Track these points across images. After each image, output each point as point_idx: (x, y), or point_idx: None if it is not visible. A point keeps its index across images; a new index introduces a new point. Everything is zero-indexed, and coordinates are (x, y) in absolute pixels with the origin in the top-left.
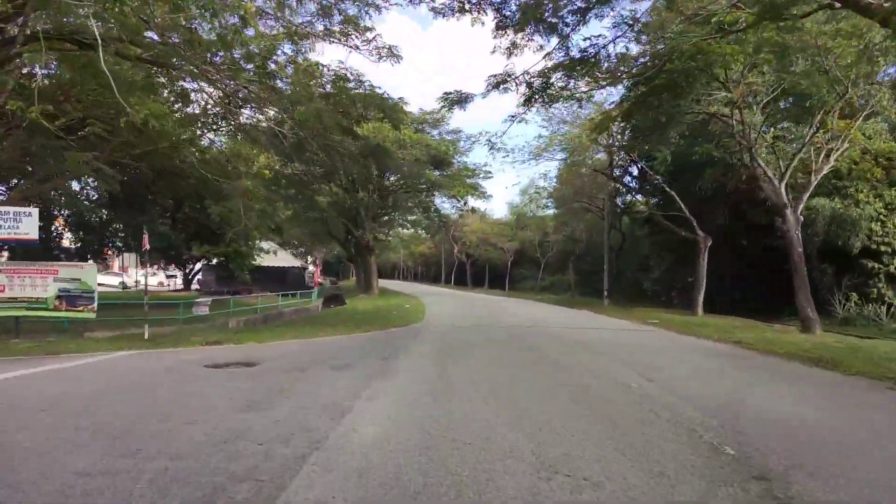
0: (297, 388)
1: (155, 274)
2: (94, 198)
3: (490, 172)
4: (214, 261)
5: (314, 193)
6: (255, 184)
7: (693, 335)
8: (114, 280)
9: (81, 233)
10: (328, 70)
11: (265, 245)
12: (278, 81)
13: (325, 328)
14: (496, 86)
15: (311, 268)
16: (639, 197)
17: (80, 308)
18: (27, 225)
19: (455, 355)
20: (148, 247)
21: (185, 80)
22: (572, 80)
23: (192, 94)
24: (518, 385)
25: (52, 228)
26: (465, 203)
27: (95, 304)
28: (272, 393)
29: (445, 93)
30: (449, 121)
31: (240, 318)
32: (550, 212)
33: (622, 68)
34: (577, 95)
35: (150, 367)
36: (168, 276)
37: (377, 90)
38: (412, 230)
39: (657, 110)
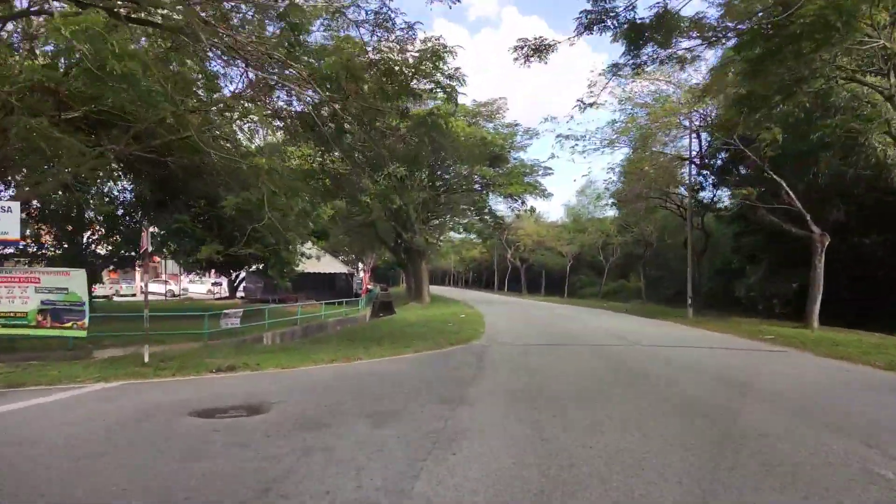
0: (306, 470)
1: (201, 281)
2: (123, 200)
3: (550, 169)
4: (254, 267)
5: (360, 191)
6: (288, 174)
7: (844, 359)
8: (161, 288)
9: (116, 238)
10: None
11: (308, 249)
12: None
13: (369, 345)
14: (588, 27)
15: (359, 274)
16: (723, 191)
17: (68, 324)
18: (5, 223)
19: (547, 397)
20: (149, 247)
21: (212, 58)
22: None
23: (220, 79)
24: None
25: (86, 235)
26: (522, 202)
27: (86, 320)
28: (261, 484)
29: (520, 40)
30: (505, 113)
31: (276, 332)
32: (611, 213)
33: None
34: (681, 54)
35: (116, 413)
36: (214, 284)
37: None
38: (463, 234)
39: (795, 61)
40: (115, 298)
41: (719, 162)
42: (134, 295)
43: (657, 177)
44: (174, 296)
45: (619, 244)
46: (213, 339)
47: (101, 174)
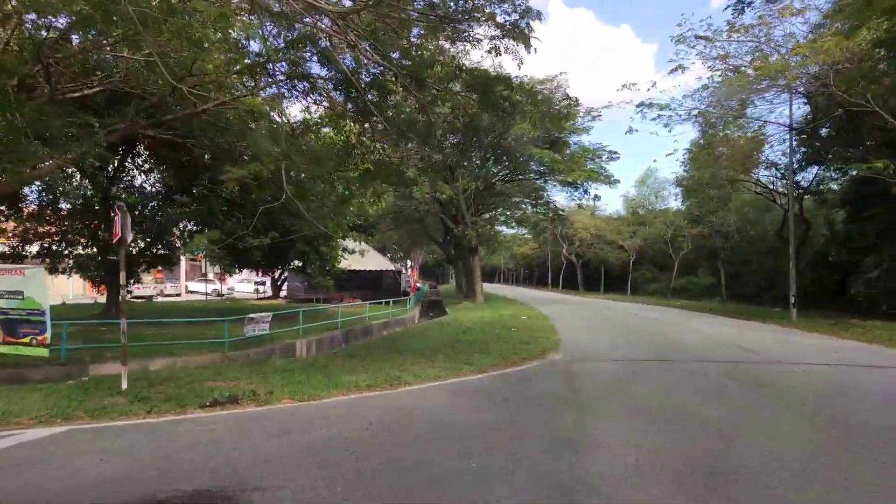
0: None
1: (248, 281)
2: (149, 191)
3: (616, 153)
4: (294, 265)
5: (405, 177)
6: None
7: None
8: (207, 287)
9: (140, 235)
10: None
11: (352, 244)
12: None
13: (417, 360)
14: None
15: (406, 271)
16: (822, 170)
17: (25, 339)
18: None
19: (739, 482)
20: (124, 235)
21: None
22: None
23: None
24: None
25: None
26: (584, 191)
27: (48, 334)
28: None
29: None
30: (566, 91)
31: (311, 339)
32: (672, 205)
33: None
34: None
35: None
36: (257, 283)
37: None
38: (515, 229)
39: None
40: (159, 299)
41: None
42: (179, 295)
43: (733, 158)
44: (219, 295)
45: (692, 236)
46: (236, 348)
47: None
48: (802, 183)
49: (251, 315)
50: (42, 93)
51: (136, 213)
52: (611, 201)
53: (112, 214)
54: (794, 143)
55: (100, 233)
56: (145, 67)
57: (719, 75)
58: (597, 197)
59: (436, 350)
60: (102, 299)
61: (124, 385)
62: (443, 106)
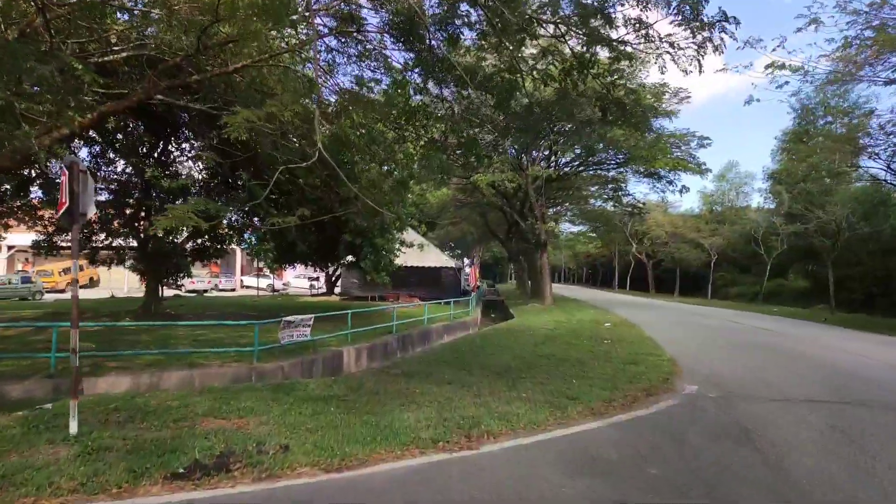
0: None
1: (305, 276)
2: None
3: (708, 139)
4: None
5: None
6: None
7: None
8: (261, 282)
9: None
10: None
11: (409, 237)
12: None
13: (496, 387)
14: None
15: (466, 269)
16: None
17: None
18: None
19: None
20: (74, 206)
21: None
22: None
23: None
24: None
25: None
26: (669, 182)
27: None
28: None
29: None
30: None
31: (362, 346)
32: (756, 202)
33: None
34: None
35: None
36: (310, 279)
37: None
38: (579, 227)
39: None
40: (213, 293)
41: None
42: (233, 290)
43: (833, 147)
44: (273, 291)
45: (790, 234)
46: (270, 359)
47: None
48: None
49: (288, 318)
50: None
51: (179, 201)
52: (685, 197)
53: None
54: None
55: (138, 223)
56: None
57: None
58: (685, 188)
59: (518, 370)
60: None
61: (73, 429)
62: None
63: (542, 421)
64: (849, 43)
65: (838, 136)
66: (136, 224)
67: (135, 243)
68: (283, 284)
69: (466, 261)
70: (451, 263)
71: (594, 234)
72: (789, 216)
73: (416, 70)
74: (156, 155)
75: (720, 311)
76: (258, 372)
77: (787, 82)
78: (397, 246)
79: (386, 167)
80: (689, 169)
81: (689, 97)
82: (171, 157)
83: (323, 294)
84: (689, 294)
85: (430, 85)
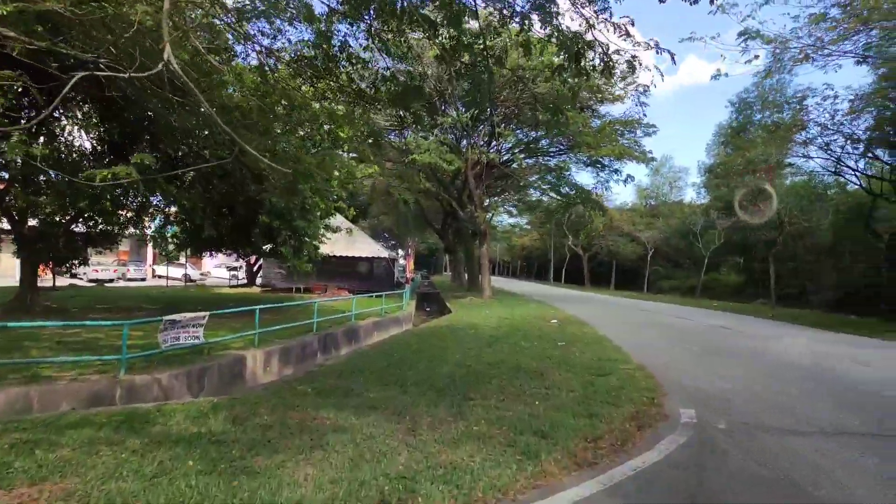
0: None
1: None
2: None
3: (654, 126)
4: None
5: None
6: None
7: None
8: (173, 272)
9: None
10: None
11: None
12: None
13: (437, 414)
14: None
15: (401, 260)
16: None
17: None
18: None
19: None
20: None
21: None
22: None
23: None
24: None
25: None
26: (615, 171)
27: None
28: None
29: None
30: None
31: (274, 348)
32: (690, 195)
33: None
34: None
35: None
36: (230, 269)
37: None
38: (517, 219)
39: None
40: (120, 283)
41: None
42: (143, 279)
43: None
44: (189, 281)
45: (727, 228)
46: (149, 368)
47: None
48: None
49: (171, 317)
50: None
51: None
52: (622, 190)
53: None
54: None
55: (8, 197)
56: None
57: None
58: (630, 178)
59: (465, 385)
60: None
61: None
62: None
63: (507, 483)
64: (820, 17)
65: (774, 130)
66: (7, 199)
67: (7, 225)
68: (202, 274)
69: (401, 252)
70: (384, 253)
71: (529, 227)
72: (727, 210)
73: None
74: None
75: (662, 305)
76: (127, 387)
77: (756, 56)
78: (322, 231)
79: (303, 132)
80: (634, 157)
81: (634, 82)
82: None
83: (244, 285)
84: (624, 288)
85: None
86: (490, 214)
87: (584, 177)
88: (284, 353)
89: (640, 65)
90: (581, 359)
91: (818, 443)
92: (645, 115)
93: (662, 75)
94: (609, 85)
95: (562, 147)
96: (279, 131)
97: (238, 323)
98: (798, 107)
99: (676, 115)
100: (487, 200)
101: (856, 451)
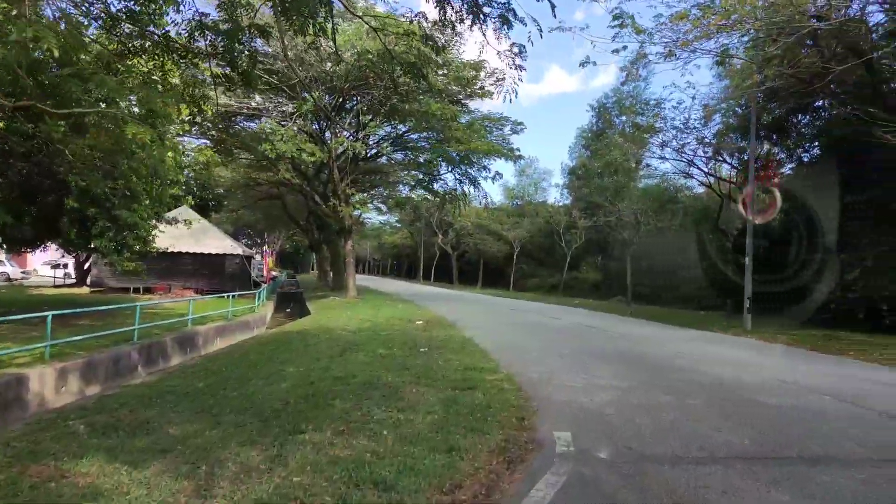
0: None
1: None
2: None
3: (522, 124)
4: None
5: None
6: None
7: None
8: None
9: None
10: None
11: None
12: None
13: (250, 452)
14: None
15: (258, 257)
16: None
17: None
18: None
19: None
20: None
21: None
22: None
23: None
24: None
25: None
26: (484, 168)
27: None
28: None
29: None
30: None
31: (73, 363)
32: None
33: None
34: None
35: None
36: (54, 267)
37: None
38: (387, 217)
39: None
40: None
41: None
42: None
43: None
44: (7, 280)
45: (588, 227)
46: None
47: None
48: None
49: None
50: None
51: None
52: (490, 190)
53: None
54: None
55: None
56: None
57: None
58: (498, 175)
59: (298, 413)
60: None
61: None
62: None
63: None
64: (683, 14)
65: (630, 135)
66: None
67: None
68: (23, 273)
69: (267, 249)
70: (239, 250)
71: (400, 225)
72: (588, 210)
73: None
74: None
75: (528, 303)
76: None
77: (625, 46)
78: (153, 223)
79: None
80: (503, 154)
81: (503, 79)
82: None
83: (73, 284)
84: (491, 285)
85: None
86: (359, 211)
87: (454, 174)
88: (89, 369)
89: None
90: (444, 369)
91: (716, 472)
92: (517, 94)
93: (531, 43)
94: (477, 79)
95: (432, 141)
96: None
97: (40, 332)
98: (655, 112)
99: (543, 121)
100: (358, 196)
101: (765, 484)
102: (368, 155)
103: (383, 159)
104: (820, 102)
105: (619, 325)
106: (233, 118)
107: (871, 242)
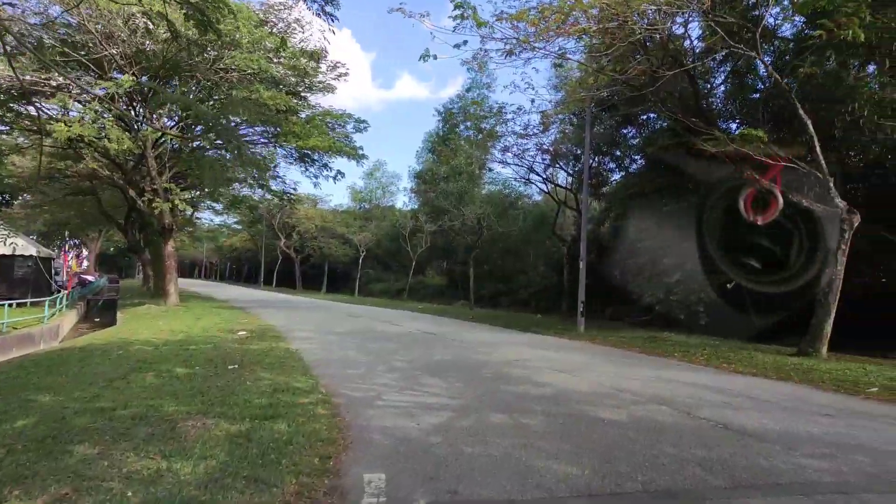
0: None
1: None
2: None
3: (365, 122)
4: None
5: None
6: None
7: None
8: None
9: None
10: None
11: None
12: None
13: None
14: None
15: (59, 260)
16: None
17: None
18: None
19: None
20: None
21: None
22: None
23: None
24: None
25: None
26: (324, 166)
27: None
28: None
29: None
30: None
31: None
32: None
33: None
34: None
35: None
36: None
37: None
38: (224, 218)
39: None
40: None
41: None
42: None
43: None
44: None
45: (433, 231)
46: None
47: None
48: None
49: None
50: None
51: None
52: (336, 192)
53: None
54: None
55: None
56: None
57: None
58: (340, 174)
59: (16, 464)
60: None
61: None
62: None
63: None
64: (523, 13)
65: (474, 139)
66: None
67: None
68: None
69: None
70: (32, 250)
71: (240, 227)
72: (433, 214)
73: None
74: None
75: (372, 308)
76: None
77: (466, 41)
78: None
79: None
80: (346, 153)
81: (346, 73)
82: None
83: None
84: (337, 290)
85: None
86: (189, 211)
87: (294, 174)
88: None
89: None
90: (249, 391)
91: None
92: (347, 73)
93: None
94: (318, 70)
95: (268, 136)
96: None
97: None
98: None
99: (394, 127)
100: (181, 192)
101: None
102: (194, 147)
103: (210, 152)
104: (646, 116)
105: (459, 330)
106: (32, 96)
107: (690, 248)
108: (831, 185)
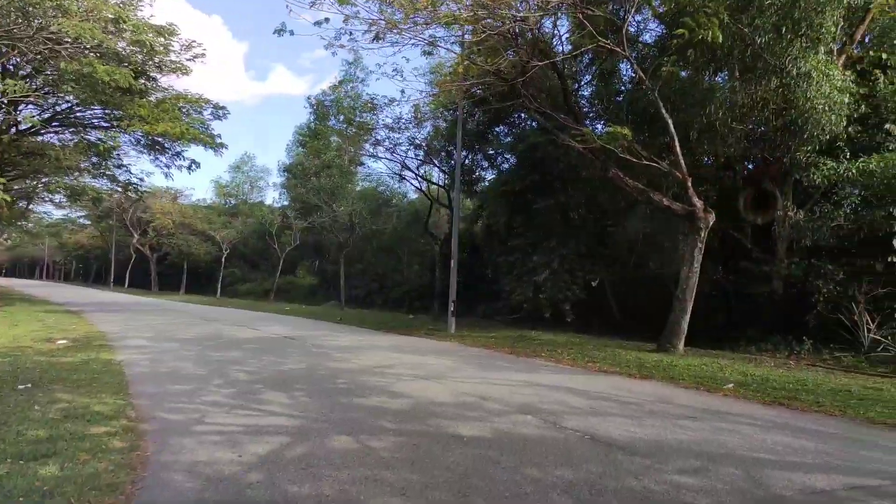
0: None
1: None
2: None
3: (225, 109)
4: None
5: None
6: None
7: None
8: None
9: None
10: None
11: None
12: None
13: None
14: None
15: None
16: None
17: None
18: None
19: None
20: None
21: None
22: None
23: None
24: None
25: None
26: (178, 155)
27: None
28: None
29: None
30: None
31: None
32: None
33: None
34: None
35: None
36: None
37: None
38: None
39: None
40: None
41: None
42: None
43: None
44: None
45: (303, 229)
46: None
47: None
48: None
49: None
50: None
51: None
52: (198, 185)
53: None
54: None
55: None
56: None
57: None
58: (195, 164)
59: None
60: None
61: None
62: None
63: None
64: None
65: (347, 134)
66: None
67: None
68: None
69: None
70: None
71: (88, 221)
72: (304, 211)
73: None
74: None
75: (233, 311)
76: None
77: (327, 19)
78: None
79: None
80: (202, 140)
81: (203, 54)
82: None
83: None
84: (197, 292)
85: None
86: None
87: (144, 164)
88: None
89: None
90: (30, 420)
91: None
92: (204, 54)
93: None
94: (169, 49)
95: (110, 119)
96: None
97: None
98: (370, 114)
99: (266, 122)
100: (18, 185)
101: None
102: (22, 131)
103: (42, 137)
104: (518, 115)
105: (324, 334)
106: None
107: (558, 246)
108: (689, 184)
